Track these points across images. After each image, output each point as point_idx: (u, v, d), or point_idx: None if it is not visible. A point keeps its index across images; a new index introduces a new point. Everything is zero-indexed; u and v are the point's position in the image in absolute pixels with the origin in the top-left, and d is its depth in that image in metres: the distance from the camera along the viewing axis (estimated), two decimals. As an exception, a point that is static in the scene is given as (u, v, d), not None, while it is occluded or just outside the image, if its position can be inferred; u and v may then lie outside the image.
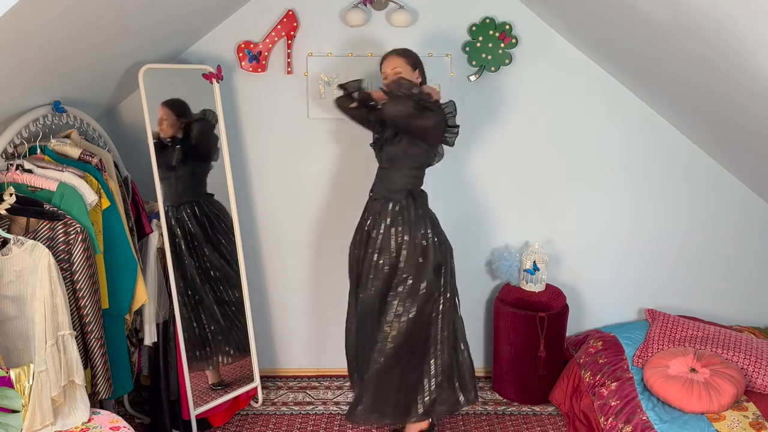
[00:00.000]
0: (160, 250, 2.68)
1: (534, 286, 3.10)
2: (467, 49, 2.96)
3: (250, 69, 2.96)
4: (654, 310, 3.17)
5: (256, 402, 3.09)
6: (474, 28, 2.93)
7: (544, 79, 3.02)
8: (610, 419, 2.52)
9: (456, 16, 2.95)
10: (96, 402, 2.25)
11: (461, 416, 3.00)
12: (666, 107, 2.96)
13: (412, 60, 2.52)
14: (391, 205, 2.52)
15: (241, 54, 2.94)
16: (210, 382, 2.91)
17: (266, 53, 2.95)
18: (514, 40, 2.94)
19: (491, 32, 2.92)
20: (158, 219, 2.69)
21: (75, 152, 2.34)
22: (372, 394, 2.53)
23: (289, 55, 2.97)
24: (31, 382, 1.86)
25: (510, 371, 3.09)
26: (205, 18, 2.80)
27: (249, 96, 3.04)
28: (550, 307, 3.05)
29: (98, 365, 2.16)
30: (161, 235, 2.67)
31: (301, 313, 3.31)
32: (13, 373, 1.83)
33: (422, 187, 2.62)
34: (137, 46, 2.57)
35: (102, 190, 2.30)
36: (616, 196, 3.17)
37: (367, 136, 2.73)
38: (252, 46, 2.94)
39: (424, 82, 2.58)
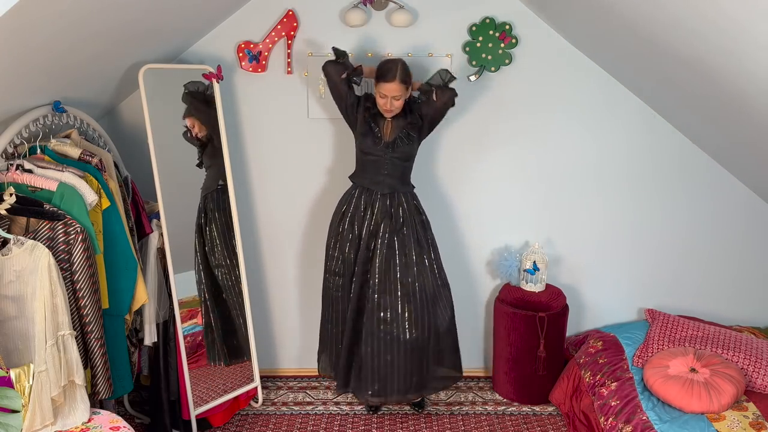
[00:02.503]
0: (160, 250, 2.68)
1: (534, 286, 3.10)
2: (467, 49, 2.96)
3: (250, 69, 2.96)
4: (654, 310, 3.17)
5: (256, 402, 3.09)
6: (474, 28, 2.93)
7: (544, 79, 3.02)
8: (610, 419, 2.52)
9: (456, 16, 2.95)
10: (96, 402, 2.25)
11: (461, 416, 3.00)
12: (666, 107, 2.96)
13: (408, 80, 2.66)
14: None
15: (241, 54, 2.94)
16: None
17: (266, 53, 2.95)
18: (514, 40, 2.94)
19: (491, 32, 2.92)
20: (158, 219, 2.69)
21: (75, 152, 2.34)
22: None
23: (289, 55, 2.97)
24: (31, 382, 1.86)
25: (510, 371, 3.09)
26: (205, 18, 2.80)
27: (249, 96, 3.04)
28: (550, 307, 3.05)
29: (98, 365, 2.16)
30: (161, 235, 2.67)
31: (301, 313, 3.31)
32: (13, 373, 1.83)
33: (354, 173, 2.87)
34: (137, 46, 2.57)
35: (102, 190, 2.30)
36: (616, 196, 3.17)
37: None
38: (252, 46, 2.94)
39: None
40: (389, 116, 2.71)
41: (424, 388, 2.92)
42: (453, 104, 2.73)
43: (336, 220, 2.87)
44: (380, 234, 2.74)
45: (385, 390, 2.83)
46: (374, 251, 2.76)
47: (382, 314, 2.77)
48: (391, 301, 2.77)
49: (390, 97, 2.64)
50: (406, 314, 2.77)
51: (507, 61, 2.97)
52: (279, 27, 2.93)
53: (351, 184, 2.87)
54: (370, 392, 2.84)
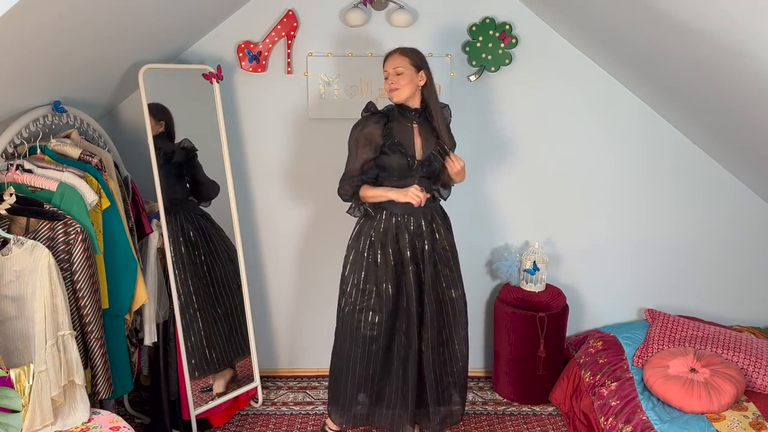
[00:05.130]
0: (160, 250, 2.68)
1: (534, 286, 3.10)
2: (467, 49, 2.96)
3: (250, 69, 2.96)
4: (654, 310, 3.17)
5: (256, 402, 3.09)
6: (474, 28, 2.93)
7: (544, 79, 3.02)
8: (610, 419, 2.52)
9: (456, 16, 2.95)
10: (96, 402, 2.25)
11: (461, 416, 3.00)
12: (666, 107, 2.96)
13: (417, 60, 2.41)
14: None
15: (241, 54, 2.94)
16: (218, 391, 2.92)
17: (266, 53, 2.95)
18: (514, 40, 2.94)
19: (491, 32, 2.93)
20: (158, 219, 2.69)
21: (75, 152, 2.34)
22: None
23: (289, 55, 2.97)
24: (31, 382, 1.86)
25: (510, 371, 3.09)
26: (205, 18, 2.80)
27: (249, 96, 3.04)
28: (550, 307, 3.05)
29: (98, 365, 2.16)
30: (161, 235, 2.67)
31: (300, 313, 3.32)
32: (13, 373, 1.83)
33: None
34: (137, 46, 2.57)
35: (102, 190, 2.30)
36: (615, 196, 3.17)
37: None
38: (252, 46, 2.94)
39: (430, 83, 2.44)
40: (394, 98, 2.42)
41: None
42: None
43: (360, 249, 2.53)
44: (424, 257, 2.50)
45: (445, 417, 2.64)
46: (423, 275, 2.50)
47: (440, 336, 2.56)
48: (446, 321, 2.57)
49: (392, 73, 2.39)
50: (461, 331, 2.59)
51: (507, 61, 2.97)
52: (279, 27, 2.93)
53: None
54: (435, 423, 2.62)
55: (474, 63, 2.98)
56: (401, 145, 2.44)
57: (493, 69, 2.98)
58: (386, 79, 2.44)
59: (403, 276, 2.51)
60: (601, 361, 2.87)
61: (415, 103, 2.46)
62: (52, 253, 1.98)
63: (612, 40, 2.65)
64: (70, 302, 2.05)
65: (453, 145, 2.55)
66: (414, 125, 2.47)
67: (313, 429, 2.91)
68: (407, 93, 2.41)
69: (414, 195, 2.39)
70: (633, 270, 3.26)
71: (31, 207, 2.08)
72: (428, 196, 2.46)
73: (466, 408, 3.07)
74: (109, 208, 2.32)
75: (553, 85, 3.03)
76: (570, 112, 3.07)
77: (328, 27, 2.96)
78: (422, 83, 2.43)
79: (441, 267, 2.55)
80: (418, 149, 2.47)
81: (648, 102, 3.03)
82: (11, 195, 2.04)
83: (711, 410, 2.37)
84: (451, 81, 2.99)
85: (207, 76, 2.79)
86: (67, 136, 2.45)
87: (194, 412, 2.76)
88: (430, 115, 2.48)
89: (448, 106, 2.59)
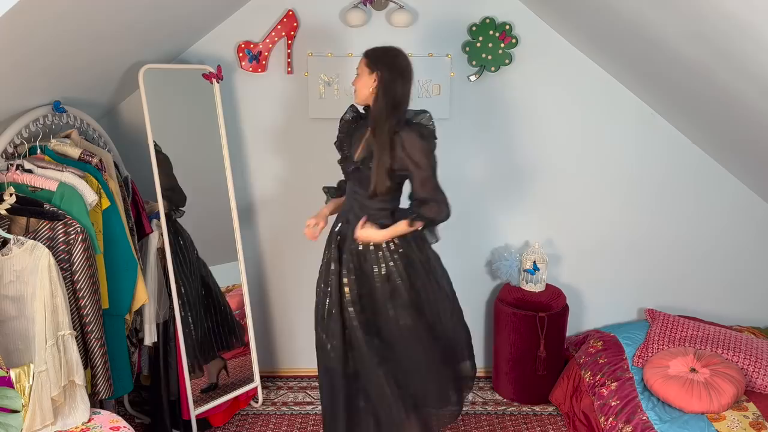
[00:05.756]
0: (160, 250, 2.68)
1: (534, 286, 3.10)
2: (467, 49, 2.96)
3: (250, 69, 2.96)
4: (654, 310, 3.17)
5: (256, 402, 3.09)
6: (474, 28, 2.93)
7: (544, 79, 3.02)
8: (610, 419, 2.52)
9: (456, 16, 2.95)
10: (96, 402, 2.25)
11: (461, 416, 3.00)
12: (666, 107, 2.96)
13: (371, 61, 2.23)
14: None
15: (241, 54, 2.94)
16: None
17: (266, 53, 2.95)
18: (514, 40, 2.94)
19: (491, 32, 2.92)
20: (158, 219, 2.69)
21: (75, 152, 2.34)
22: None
23: (289, 55, 2.97)
24: (31, 382, 1.86)
25: (510, 371, 3.09)
26: (205, 18, 2.80)
27: (249, 96, 3.04)
28: (550, 307, 3.05)
29: (98, 365, 2.16)
30: (161, 235, 2.67)
31: (301, 312, 3.31)
32: (13, 373, 1.83)
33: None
34: (137, 46, 2.57)
35: (102, 190, 2.30)
36: (615, 196, 3.17)
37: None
38: (252, 46, 2.94)
39: (382, 85, 2.19)
40: (354, 99, 2.32)
41: None
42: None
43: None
44: (344, 267, 2.34)
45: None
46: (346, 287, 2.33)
47: (375, 357, 2.31)
48: (381, 339, 2.33)
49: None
50: (403, 352, 2.34)
51: (507, 61, 2.97)
52: (279, 27, 2.93)
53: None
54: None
55: (474, 63, 2.98)
56: (346, 143, 2.41)
57: (493, 69, 2.98)
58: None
59: (329, 280, 2.38)
60: (601, 361, 2.87)
61: None
62: (52, 253, 1.98)
63: (612, 40, 2.65)
64: (70, 302, 2.05)
65: (429, 163, 2.32)
66: (370, 128, 2.29)
67: (313, 429, 2.91)
68: (362, 95, 2.27)
69: (305, 225, 2.40)
70: (633, 270, 3.26)
71: (31, 207, 2.08)
72: (316, 234, 2.38)
73: (466, 408, 3.07)
74: (109, 208, 2.33)
75: (553, 84, 3.03)
76: (570, 111, 3.07)
77: (328, 27, 2.96)
78: (375, 84, 2.22)
79: (369, 286, 2.32)
80: (358, 152, 2.35)
81: (648, 101, 3.03)
82: (11, 195, 2.04)
83: (711, 410, 2.38)
84: (451, 81, 2.99)
85: (207, 76, 2.79)
86: (67, 136, 2.45)
87: (194, 412, 2.76)
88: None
89: (424, 113, 2.33)
